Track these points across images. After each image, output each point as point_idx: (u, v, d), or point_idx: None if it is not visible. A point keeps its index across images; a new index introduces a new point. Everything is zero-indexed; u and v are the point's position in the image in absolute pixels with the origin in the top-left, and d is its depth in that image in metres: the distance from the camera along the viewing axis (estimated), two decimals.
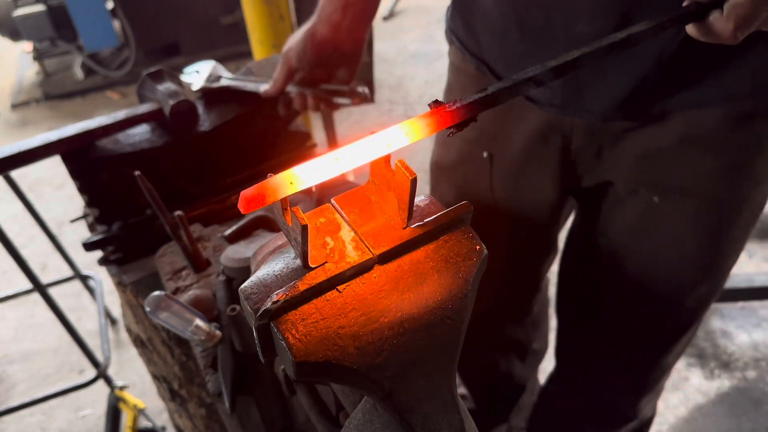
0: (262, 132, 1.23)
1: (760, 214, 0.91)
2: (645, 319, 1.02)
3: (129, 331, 1.39)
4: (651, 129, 0.83)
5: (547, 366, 1.84)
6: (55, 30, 3.80)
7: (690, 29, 0.57)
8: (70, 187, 3.05)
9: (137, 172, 0.95)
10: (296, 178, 0.39)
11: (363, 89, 1.01)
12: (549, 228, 1.13)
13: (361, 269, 0.44)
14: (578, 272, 1.11)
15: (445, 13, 1.02)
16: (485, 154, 0.99)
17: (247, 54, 3.71)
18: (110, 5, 3.95)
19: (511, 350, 1.42)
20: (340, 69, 1.01)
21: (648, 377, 1.12)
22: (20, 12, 3.70)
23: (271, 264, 0.46)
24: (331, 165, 0.40)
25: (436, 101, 0.44)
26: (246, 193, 0.38)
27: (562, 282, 1.17)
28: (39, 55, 4.20)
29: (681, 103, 0.78)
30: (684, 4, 0.57)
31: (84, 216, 1.33)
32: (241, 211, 0.38)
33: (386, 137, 0.41)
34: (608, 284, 1.02)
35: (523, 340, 1.42)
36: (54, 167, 2.94)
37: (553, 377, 1.33)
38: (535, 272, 1.26)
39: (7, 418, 2.02)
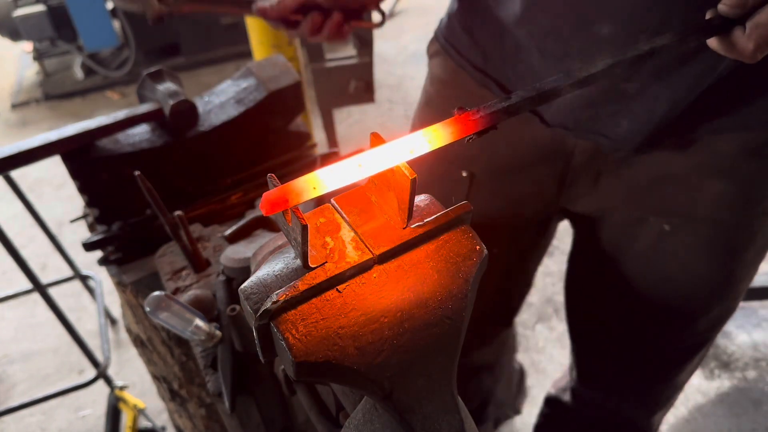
0: (262, 132, 1.23)
1: None
2: (657, 340, 1.02)
3: (129, 331, 1.39)
4: (662, 156, 0.81)
5: (540, 362, 1.84)
6: (55, 30, 3.80)
7: (712, 42, 0.56)
8: (70, 187, 3.06)
9: (137, 172, 0.95)
10: (319, 183, 0.39)
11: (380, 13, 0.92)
12: (528, 258, 1.13)
13: (361, 269, 0.44)
14: (587, 295, 1.10)
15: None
16: (464, 174, 0.97)
17: (247, 54, 3.70)
18: (110, 5, 3.96)
19: (480, 373, 1.49)
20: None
21: (661, 395, 1.12)
22: (20, 12, 3.70)
23: (271, 264, 0.46)
24: (354, 170, 0.40)
25: (461, 108, 0.44)
26: (269, 195, 0.38)
27: (570, 302, 1.16)
28: (39, 55, 4.20)
29: (700, 132, 0.77)
30: (707, 17, 0.56)
31: (84, 216, 1.33)
32: (264, 213, 0.38)
33: (409, 143, 0.41)
34: (619, 308, 1.02)
35: (491, 361, 1.48)
36: (54, 167, 2.94)
37: (564, 388, 1.33)
38: (510, 307, 1.28)
39: (7, 418, 2.02)
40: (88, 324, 2.31)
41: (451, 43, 0.95)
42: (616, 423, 1.22)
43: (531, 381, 1.96)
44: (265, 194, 0.38)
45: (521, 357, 2.03)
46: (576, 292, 1.14)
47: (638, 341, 1.04)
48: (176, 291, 1.03)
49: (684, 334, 0.99)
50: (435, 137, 0.42)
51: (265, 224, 1.11)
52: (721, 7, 0.54)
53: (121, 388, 1.74)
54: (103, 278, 2.22)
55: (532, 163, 0.92)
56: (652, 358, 1.06)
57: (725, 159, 0.79)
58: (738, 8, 0.53)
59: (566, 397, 1.32)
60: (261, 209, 0.38)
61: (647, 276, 0.94)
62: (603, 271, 1.01)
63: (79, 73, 4.25)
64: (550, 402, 1.41)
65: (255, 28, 2.07)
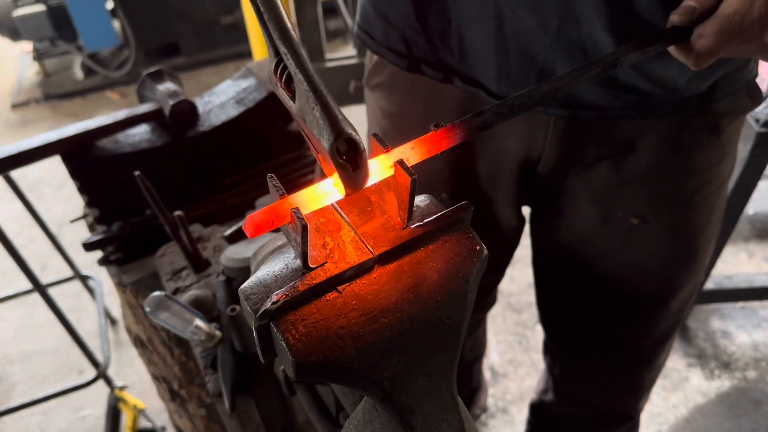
0: (261, 132, 1.23)
1: (725, 206, 0.95)
2: (634, 327, 1.04)
3: (129, 331, 1.39)
4: (620, 159, 0.83)
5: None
6: (55, 30, 3.81)
7: (672, 50, 0.60)
8: (70, 187, 3.05)
9: (137, 172, 0.95)
10: (305, 205, 0.41)
11: None
12: (506, 259, 1.14)
13: (361, 269, 0.44)
14: (559, 289, 1.11)
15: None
16: (444, 195, 0.97)
17: (247, 54, 3.71)
18: (110, 5, 3.96)
19: (472, 365, 1.55)
20: None
21: (645, 379, 1.14)
22: (20, 12, 3.70)
23: (270, 264, 0.46)
24: (336, 192, 0.42)
25: (437, 124, 0.46)
26: (253, 217, 0.39)
27: (542, 297, 1.16)
28: (39, 55, 4.20)
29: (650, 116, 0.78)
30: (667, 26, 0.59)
31: (84, 216, 1.33)
32: (248, 236, 0.39)
33: (392, 158, 0.43)
34: (592, 302, 1.03)
35: (480, 352, 1.53)
36: (54, 167, 2.94)
37: (545, 390, 1.34)
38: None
39: (6, 418, 2.02)
40: (88, 324, 2.31)
41: (421, 58, 0.86)
42: (603, 413, 1.23)
43: (532, 381, 1.96)
44: (249, 216, 0.39)
45: (521, 357, 2.04)
46: (546, 291, 1.15)
47: (615, 331, 1.06)
48: (176, 291, 1.03)
49: (659, 318, 1.01)
50: (415, 153, 0.44)
51: None
52: (672, 17, 0.57)
53: (121, 389, 1.74)
54: (103, 278, 2.22)
55: (503, 176, 0.92)
56: (631, 345, 1.08)
57: (678, 151, 0.81)
58: (686, 17, 0.56)
59: (548, 397, 1.32)
60: (245, 231, 0.39)
61: (618, 268, 0.96)
62: (571, 269, 1.02)
63: (79, 73, 4.25)
64: (534, 407, 1.42)
65: (255, 27, 2.06)
